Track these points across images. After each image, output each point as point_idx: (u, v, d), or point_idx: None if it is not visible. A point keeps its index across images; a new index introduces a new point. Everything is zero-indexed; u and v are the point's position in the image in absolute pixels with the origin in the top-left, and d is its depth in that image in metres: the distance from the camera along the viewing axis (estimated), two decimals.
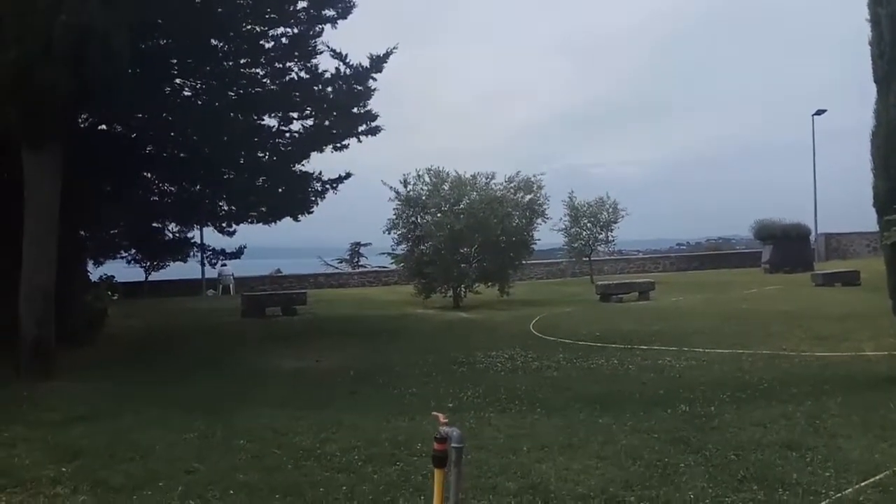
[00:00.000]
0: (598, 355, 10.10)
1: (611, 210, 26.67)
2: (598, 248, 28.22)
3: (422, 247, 19.41)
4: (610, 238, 27.38)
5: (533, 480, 4.82)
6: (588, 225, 26.94)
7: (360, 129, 15.54)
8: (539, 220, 20.74)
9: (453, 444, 2.58)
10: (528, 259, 23.78)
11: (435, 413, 2.94)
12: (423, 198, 19.65)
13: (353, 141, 15.82)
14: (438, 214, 18.94)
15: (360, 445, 5.75)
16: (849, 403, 6.58)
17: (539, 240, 21.91)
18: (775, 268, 27.15)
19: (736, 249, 38.33)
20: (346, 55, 14.44)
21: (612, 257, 33.56)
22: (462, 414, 6.77)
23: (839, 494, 4.36)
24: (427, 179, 19.84)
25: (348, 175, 16.60)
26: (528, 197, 20.33)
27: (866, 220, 10.60)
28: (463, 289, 19.38)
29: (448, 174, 19.94)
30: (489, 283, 19.93)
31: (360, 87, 14.67)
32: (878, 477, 4.61)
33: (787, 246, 27.72)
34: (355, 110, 15.12)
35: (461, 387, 8.09)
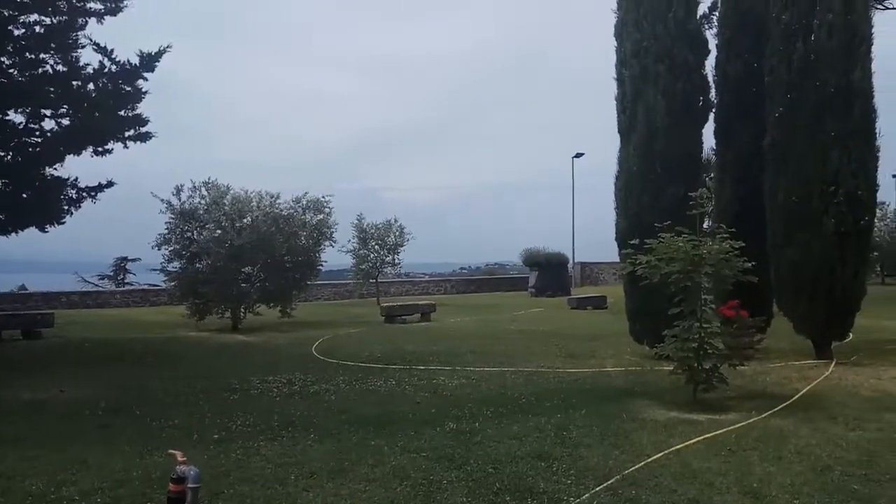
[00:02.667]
0: (377, 377, 10.19)
1: (398, 233, 27.53)
2: (385, 270, 28.87)
3: (198, 264, 18.13)
4: (396, 261, 28.27)
5: None
6: (376, 247, 27.49)
7: (128, 133, 14.15)
8: (327, 243, 20.59)
9: (189, 485, 2.39)
10: (314, 280, 23.45)
11: (172, 451, 2.72)
12: (201, 212, 18.39)
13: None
14: (218, 231, 17.86)
15: (105, 487, 5.13)
16: (591, 415, 7.39)
17: (326, 261, 21.73)
18: (540, 292, 29.99)
19: (509, 274, 41.60)
20: (112, 51, 13.14)
21: (399, 279, 34.50)
22: (229, 444, 6.37)
23: (578, 500, 4.84)
24: (205, 192, 18.63)
25: (110, 183, 14.91)
26: (316, 218, 20.07)
27: (615, 251, 12.03)
28: (243, 310, 18.45)
29: (228, 189, 18.95)
30: (272, 304, 19.22)
31: (128, 88, 13.38)
32: (610, 482, 5.20)
33: (549, 272, 30.82)
34: (122, 112, 13.75)
35: (231, 415, 7.63)
